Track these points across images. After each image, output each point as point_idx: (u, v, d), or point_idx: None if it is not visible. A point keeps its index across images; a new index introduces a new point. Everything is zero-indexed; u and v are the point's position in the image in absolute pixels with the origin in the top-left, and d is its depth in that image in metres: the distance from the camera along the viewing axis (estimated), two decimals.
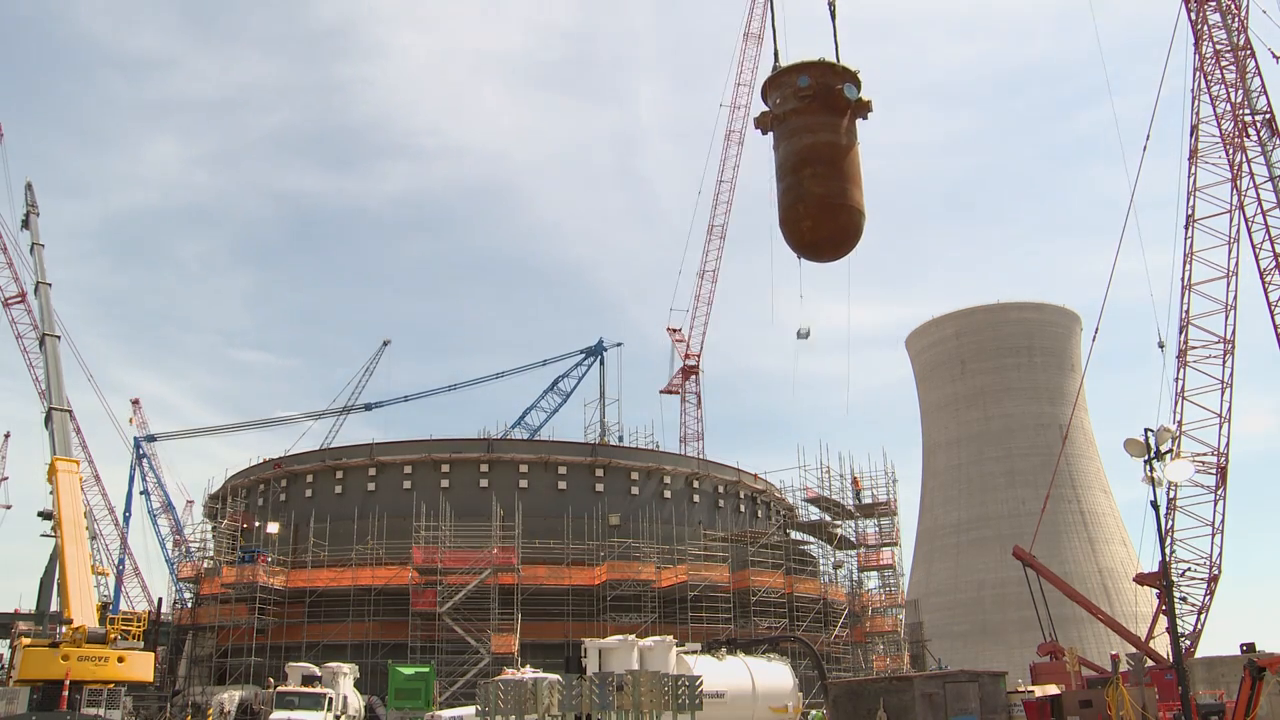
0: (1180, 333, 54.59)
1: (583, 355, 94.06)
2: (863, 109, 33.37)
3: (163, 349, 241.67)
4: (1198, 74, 55.06)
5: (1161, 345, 55.33)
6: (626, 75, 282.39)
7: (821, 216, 32.00)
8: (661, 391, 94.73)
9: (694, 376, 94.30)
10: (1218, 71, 54.39)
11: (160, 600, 73.07)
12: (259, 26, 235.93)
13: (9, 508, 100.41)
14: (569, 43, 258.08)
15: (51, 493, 53.42)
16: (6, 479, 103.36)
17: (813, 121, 32.39)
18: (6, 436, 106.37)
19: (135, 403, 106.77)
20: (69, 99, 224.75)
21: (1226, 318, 53.52)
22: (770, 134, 33.72)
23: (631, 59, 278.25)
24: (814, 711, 44.19)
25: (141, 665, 45.67)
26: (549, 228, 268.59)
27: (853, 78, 33.47)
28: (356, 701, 47.76)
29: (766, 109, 33.68)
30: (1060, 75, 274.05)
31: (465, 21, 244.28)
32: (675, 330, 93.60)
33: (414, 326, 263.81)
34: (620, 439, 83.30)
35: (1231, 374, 52.90)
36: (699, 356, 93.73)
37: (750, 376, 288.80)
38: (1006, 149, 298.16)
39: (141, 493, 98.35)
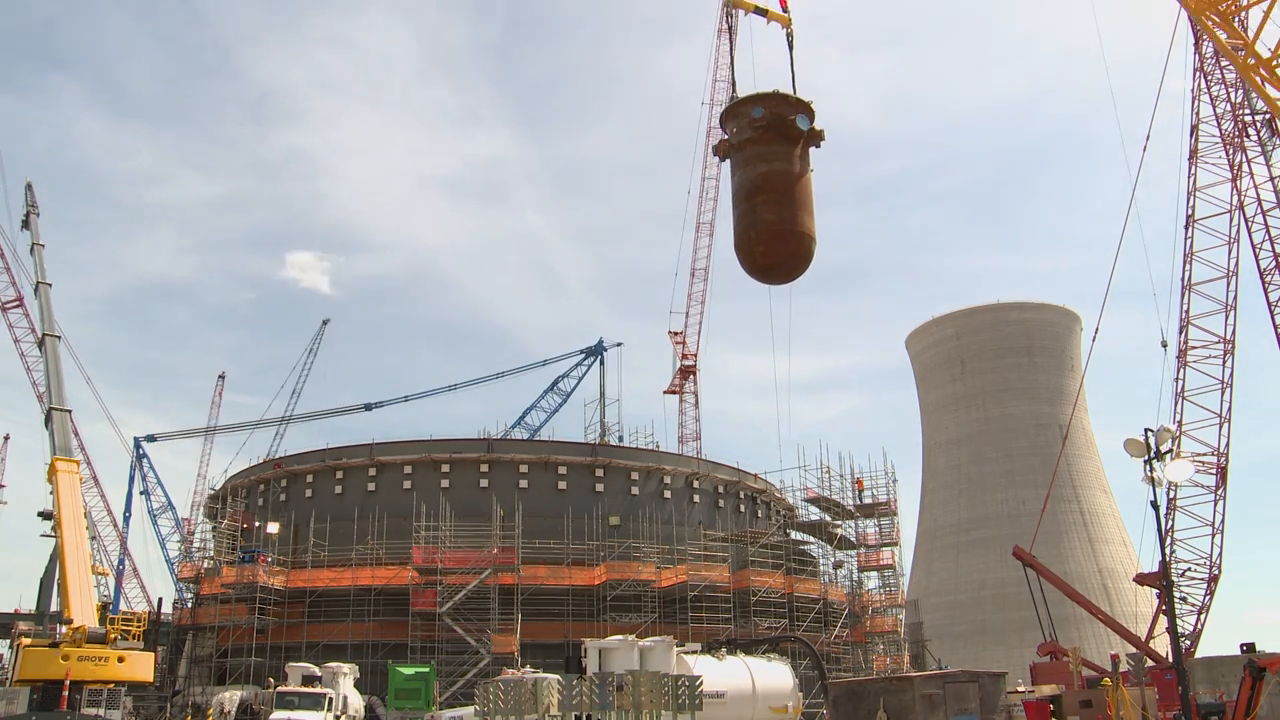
0: (1180, 333, 54.64)
1: (583, 355, 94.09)
2: (815, 138, 34.85)
3: (159, 391, 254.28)
4: (1198, 74, 55.10)
5: (1164, 345, 55.37)
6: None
7: (773, 242, 33.24)
8: (665, 392, 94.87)
9: (692, 376, 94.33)
10: (1218, 71, 54.40)
11: (160, 600, 73.14)
12: (236, 151, 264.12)
13: (4, 504, 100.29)
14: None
15: (51, 493, 53.46)
16: (4, 486, 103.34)
17: (766, 151, 33.88)
18: (6, 439, 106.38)
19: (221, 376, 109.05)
20: (84, 202, 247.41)
21: (1226, 318, 53.57)
22: (728, 161, 35.02)
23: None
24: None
25: (141, 665, 45.66)
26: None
27: (806, 109, 34.70)
28: (357, 701, 47.76)
29: (725, 137, 35.01)
30: (1062, 75, 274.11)
31: (402, 151, 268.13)
32: (676, 333, 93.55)
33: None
34: (620, 439, 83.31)
35: (1231, 374, 52.97)
36: (696, 356, 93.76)
37: (750, 376, 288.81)
38: (1007, 148, 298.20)
39: (141, 493, 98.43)
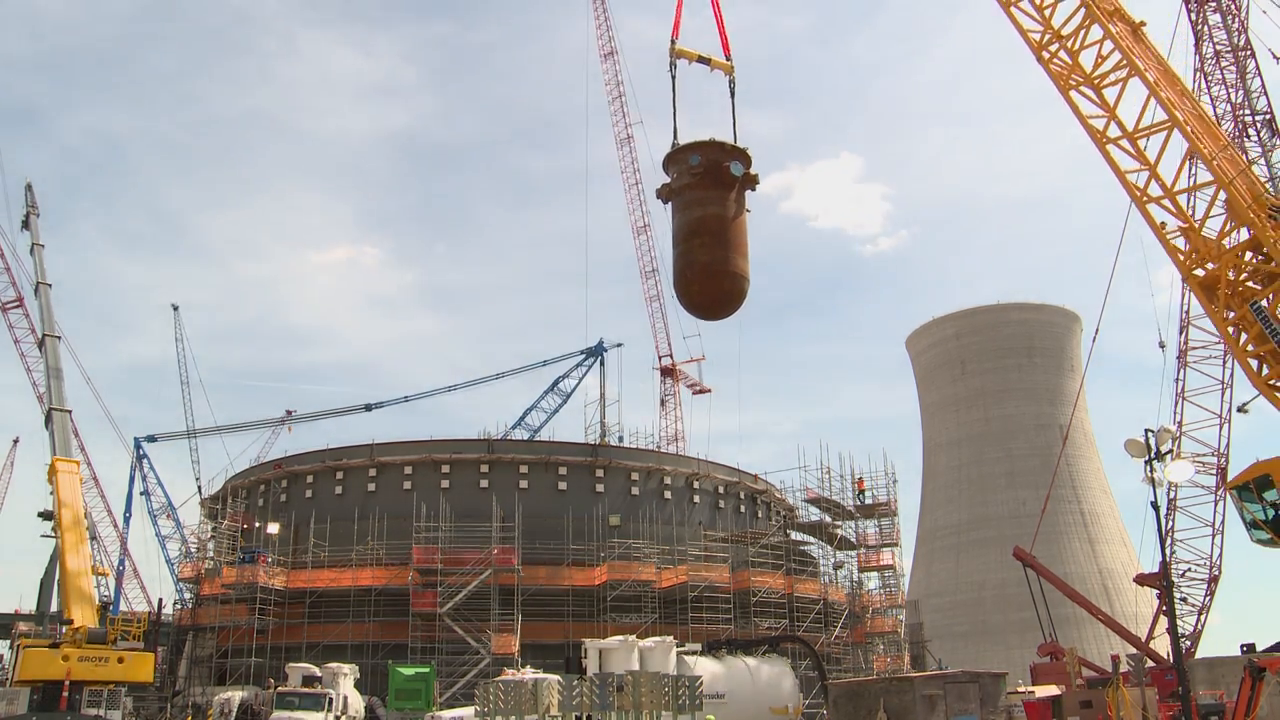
0: (1180, 333, 54.61)
1: (583, 355, 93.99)
2: (750, 182, 37.39)
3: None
4: (1198, 74, 55.08)
5: (1162, 345, 55.34)
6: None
7: (707, 281, 35.85)
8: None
9: (669, 378, 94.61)
10: (1218, 72, 54.41)
11: (160, 601, 73.10)
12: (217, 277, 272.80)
13: None
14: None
15: (52, 493, 53.46)
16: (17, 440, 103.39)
17: (702, 195, 36.24)
18: (15, 442, 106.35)
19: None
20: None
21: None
22: (669, 204, 37.67)
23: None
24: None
25: (142, 666, 45.61)
26: None
27: (741, 155, 37.35)
28: (357, 702, 47.75)
29: (667, 181, 37.52)
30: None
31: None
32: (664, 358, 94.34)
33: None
34: (620, 439, 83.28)
35: (1231, 374, 52.90)
36: (671, 355, 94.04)
37: (751, 376, 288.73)
38: (1008, 148, 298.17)
39: (142, 493, 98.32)
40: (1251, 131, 53.83)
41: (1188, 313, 54.30)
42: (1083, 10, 36.02)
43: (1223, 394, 53.12)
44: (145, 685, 52.38)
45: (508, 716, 25.68)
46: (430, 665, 50.46)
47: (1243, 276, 32.82)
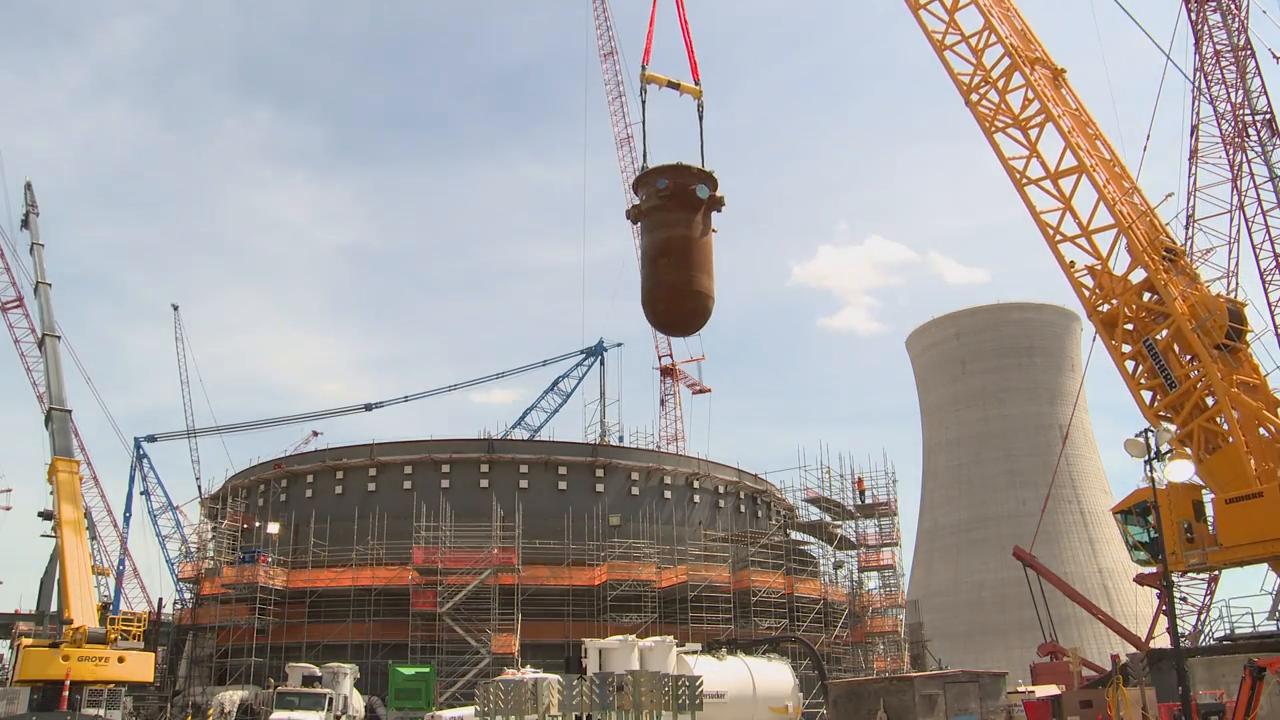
0: None
1: (583, 355, 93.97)
2: (716, 204, 38.84)
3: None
4: (1198, 74, 55.06)
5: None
6: None
7: (673, 301, 37.45)
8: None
9: (669, 378, 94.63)
10: (1218, 72, 54.38)
11: (160, 600, 73.13)
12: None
13: (8, 509, 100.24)
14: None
15: (52, 493, 53.48)
16: (10, 490, 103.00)
17: (669, 217, 37.77)
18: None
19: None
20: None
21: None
22: (638, 225, 39.25)
23: None
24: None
25: (142, 665, 45.72)
26: None
27: (707, 178, 38.73)
28: (357, 702, 47.77)
29: (637, 203, 39.07)
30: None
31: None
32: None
33: None
34: (620, 439, 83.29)
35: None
36: (671, 355, 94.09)
37: (751, 375, 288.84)
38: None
39: (142, 493, 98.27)
40: (1251, 131, 53.76)
41: None
42: (1007, 58, 38.40)
43: None
44: (145, 685, 52.44)
45: (508, 716, 25.69)
46: (430, 665, 50.49)
47: (1141, 314, 35.42)
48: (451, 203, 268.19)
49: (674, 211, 37.84)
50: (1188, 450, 34.83)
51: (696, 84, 44.37)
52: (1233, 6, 54.85)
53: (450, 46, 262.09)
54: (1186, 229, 54.75)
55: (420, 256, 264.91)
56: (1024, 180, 38.19)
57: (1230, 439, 33.55)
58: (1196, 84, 54.94)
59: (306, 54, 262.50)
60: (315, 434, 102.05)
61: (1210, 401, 34.21)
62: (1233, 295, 36.34)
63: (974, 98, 39.39)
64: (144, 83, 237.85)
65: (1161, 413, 35.26)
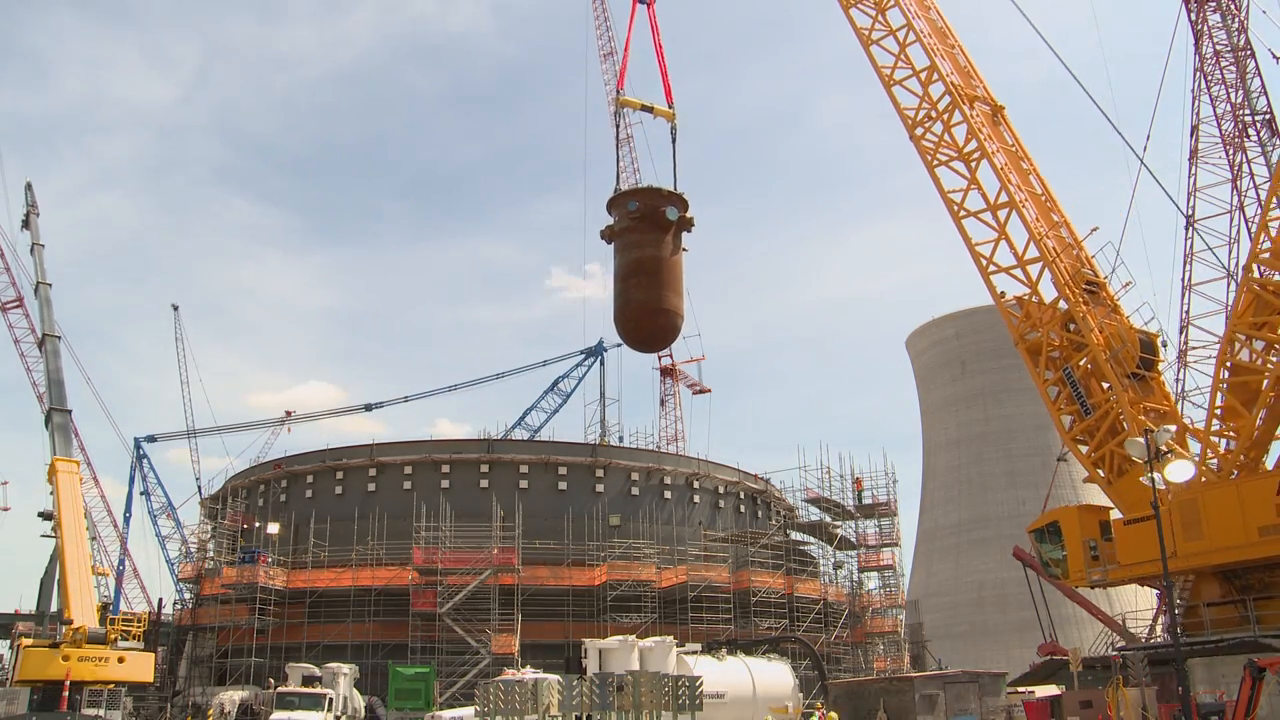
0: (1180, 333, 54.69)
1: (583, 355, 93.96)
2: (685, 225, 40.40)
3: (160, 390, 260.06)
4: (1198, 74, 55.13)
5: (1165, 343, 55.32)
6: None
7: (643, 318, 39.33)
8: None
9: (669, 378, 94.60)
10: (1218, 72, 54.45)
11: (160, 601, 73.11)
12: None
13: (7, 509, 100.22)
14: None
15: (52, 493, 53.48)
16: (6, 483, 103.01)
17: (640, 238, 39.40)
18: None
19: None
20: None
21: (1226, 319, 53.51)
22: (611, 244, 40.59)
23: None
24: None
25: (142, 666, 45.70)
26: None
27: (676, 200, 40.40)
28: (357, 702, 47.77)
29: (610, 223, 40.49)
30: (1062, 74, 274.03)
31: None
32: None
33: None
34: (620, 439, 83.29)
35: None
36: (671, 355, 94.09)
37: (751, 376, 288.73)
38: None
39: (141, 493, 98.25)
40: (1251, 131, 53.83)
41: (1188, 313, 54.38)
42: (948, 96, 40.12)
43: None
44: (145, 685, 52.44)
45: (508, 716, 25.69)
46: (430, 665, 50.50)
47: (1062, 344, 37.36)
48: (423, 269, 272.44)
49: (645, 232, 39.28)
50: (1100, 472, 36.76)
51: (670, 107, 46.48)
52: (1233, 6, 54.94)
53: (400, 152, 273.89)
54: (1186, 230, 54.87)
55: (409, 309, 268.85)
56: (962, 213, 39.80)
57: (1136, 463, 34.98)
58: (1196, 84, 55.02)
59: (272, 163, 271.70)
60: (289, 414, 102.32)
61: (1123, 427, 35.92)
62: (1148, 326, 38.10)
63: (919, 131, 40.92)
64: (140, 177, 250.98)
65: (1078, 437, 37.49)
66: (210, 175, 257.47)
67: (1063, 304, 37.54)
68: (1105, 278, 38.56)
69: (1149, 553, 33.33)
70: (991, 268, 39.09)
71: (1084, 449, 37.41)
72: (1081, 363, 36.73)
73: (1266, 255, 33.70)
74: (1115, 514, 37.41)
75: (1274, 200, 34.24)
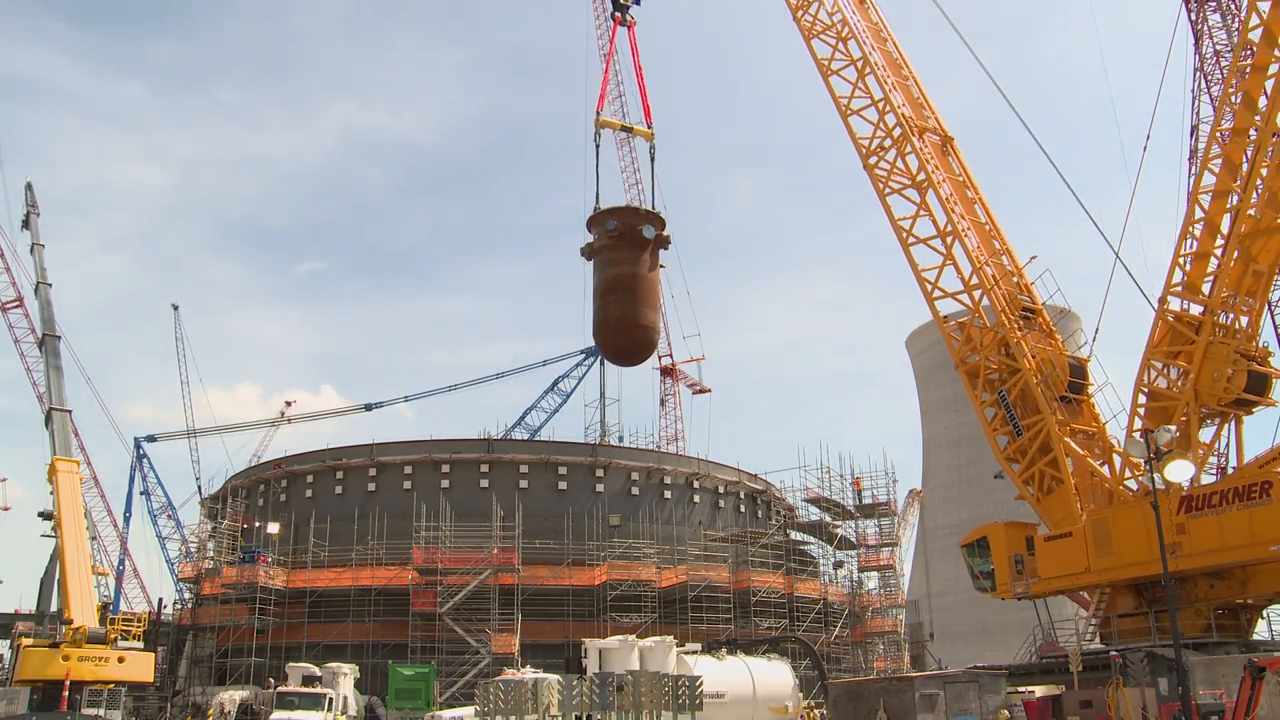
0: None
1: (583, 355, 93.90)
2: (662, 243, 41.81)
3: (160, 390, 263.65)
4: (1198, 74, 55.10)
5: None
6: None
7: (620, 333, 40.51)
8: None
9: (670, 377, 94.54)
10: (1218, 72, 54.40)
11: (160, 601, 73.11)
12: None
13: (7, 509, 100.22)
14: None
15: (52, 493, 53.46)
16: (4, 479, 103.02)
17: (618, 256, 40.62)
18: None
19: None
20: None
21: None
22: (591, 261, 41.65)
23: None
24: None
25: (142, 665, 45.69)
26: None
27: (654, 219, 41.72)
28: (357, 702, 47.77)
29: (590, 240, 41.41)
30: (1062, 75, 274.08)
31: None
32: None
33: None
34: (620, 439, 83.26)
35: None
36: (671, 355, 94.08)
37: (751, 376, 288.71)
38: (1006, 147, 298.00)
39: (141, 493, 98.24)
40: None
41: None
42: (900, 127, 41.00)
43: None
44: (145, 685, 52.45)
45: (508, 716, 25.69)
46: (430, 665, 50.50)
47: (999, 368, 38.56)
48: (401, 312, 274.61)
49: (622, 250, 40.32)
50: (1030, 490, 37.95)
51: (649, 127, 47.50)
52: (1233, 6, 54.89)
53: (371, 224, 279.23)
54: (1185, 232, 54.74)
55: (406, 341, 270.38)
56: (911, 240, 40.71)
57: (1062, 482, 36.54)
58: (1196, 84, 55.00)
59: (253, 238, 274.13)
60: (289, 404, 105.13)
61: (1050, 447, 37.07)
62: (1080, 352, 39.46)
63: (872, 160, 41.78)
64: (138, 242, 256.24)
65: (1010, 456, 39.00)
66: (200, 244, 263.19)
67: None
68: (1042, 304, 39.75)
69: (1066, 567, 35.65)
70: (937, 293, 40.18)
71: (1015, 468, 38.71)
72: (1015, 386, 37.95)
73: (1179, 289, 35.21)
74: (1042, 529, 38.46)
75: (1187, 234, 35.75)
